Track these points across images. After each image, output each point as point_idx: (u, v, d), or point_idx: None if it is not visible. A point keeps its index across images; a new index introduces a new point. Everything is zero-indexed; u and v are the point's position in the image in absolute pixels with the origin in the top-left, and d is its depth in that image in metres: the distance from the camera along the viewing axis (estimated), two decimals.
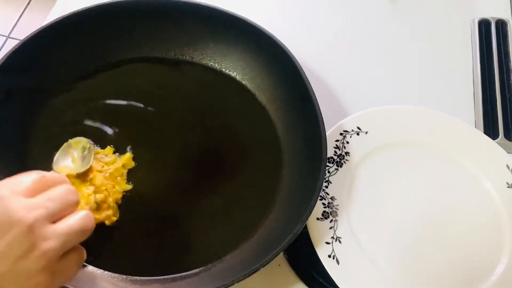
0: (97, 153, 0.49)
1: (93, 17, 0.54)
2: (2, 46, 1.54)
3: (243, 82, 0.56)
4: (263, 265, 0.40)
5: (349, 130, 0.53)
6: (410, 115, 0.55)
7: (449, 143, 0.53)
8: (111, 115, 0.53)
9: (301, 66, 0.51)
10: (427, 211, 0.49)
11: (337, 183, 0.49)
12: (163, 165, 0.51)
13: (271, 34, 0.53)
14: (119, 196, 0.47)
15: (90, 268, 0.43)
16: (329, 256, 0.44)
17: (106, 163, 0.48)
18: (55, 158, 0.47)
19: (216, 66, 0.57)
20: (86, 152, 0.48)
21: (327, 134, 0.48)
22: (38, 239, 0.30)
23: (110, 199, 0.46)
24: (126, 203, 0.47)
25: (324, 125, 0.47)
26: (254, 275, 0.39)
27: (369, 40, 0.66)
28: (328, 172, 0.50)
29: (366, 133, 0.53)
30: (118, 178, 0.48)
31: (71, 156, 0.47)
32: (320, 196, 0.47)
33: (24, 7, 1.62)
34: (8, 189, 0.31)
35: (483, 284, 0.46)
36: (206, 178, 0.50)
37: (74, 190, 0.34)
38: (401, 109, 0.55)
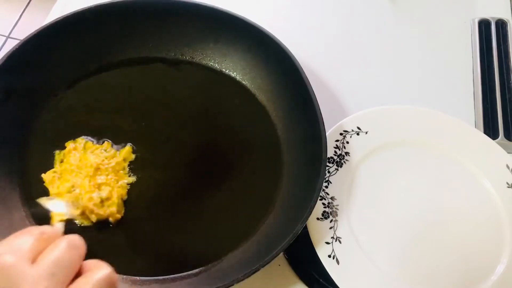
0: (96, 148, 0.49)
1: (93, 17, 0.54)
2: (2, 46, 1.54)
3: (243, 82, 0.56)
4: (263, 265, 0.40)
5: (349, 130, 0.52)
6: (410, 115, 0.54)
7: (449, 143, 0.53)
8: (111, 115, 0.53)
9: (301, 66, 0.51)
10: (427, 211, 0.49)
11: (337, 183, 0.49)
12: (162, 165, 0.51)
13: (272, 34, 0.53)
14: (124, 191, 0.47)
15: None
16: (329, 256, 0.44)
17: (106, 158, 0.49)
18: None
19: (216, 66, 0.57)
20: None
21: (327, 134, 0.48)
22: None
23: (115, 195, 0.46)
24: (125, 203, 0.47)
25: (324, 125, 0.47)
26: (254, 275, 0.39)
27: (369, 40, 0.66)
28: (328, 172, 0.50)
29: (366, 133, 0.53)
30: (121, 172, 0.49)
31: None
32: (320, 196, 0.47)
33: (24, 7, 1.62)
34: (12, 256, 0.28)
35: (483, 284, 0.46)
36: (206, 178, 0.50)
37: (78, 242, 0.30)
38: (401, 109, 0.55)
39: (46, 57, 0.52)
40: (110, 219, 0.46)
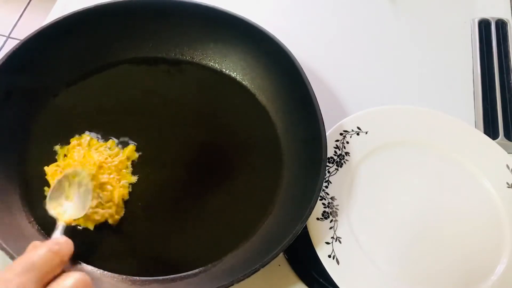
0: (100, 146, 0.49)
1: (93, 17, 0.54)
2: (2, 46, 1.54)
3: (243, 82, 0.56)
4: (263, 265, 0.40)
5: (349, 130, 0.52)
6: (410, 115, 0.54)
7: (449, 143, 0.53)
8: (111, 115, 0.53)
9: (301, 66, 0.51)
10: (427, 211, 0.49)
11: (337, 183, 0.49)
12: (162, 165, 0.51)
13: (272, 34, 0.53)
14: (126, 191, 0.47)
15: (90, 268, 0.43)
16: (329, 256, 0.44)
17: (110, 156, 0.48)
18: (48, 194, 0.41)
19: (217, 66, 0.57)
20: (82, 189, 0.44)
21: (327, 134, 0.48)
22: None
23: (116, 196, 0.46)
24: (125, 203, 0.47)
25: (324, 125, 0.47)
26: (254, 275, 0.39)
27: (369, 40, 0.66)
28: (328, 172, 0.50)
29: (366, 133, 0.53)
30: (124, 171, 0.48)
31: (65, 193, 0.43)
32: (320, 196, 0.47)
33: (24, 7, 1.62)
34: (25, 277, 0.29)
35: (483, 284, 0.46)
36: (206, 178, 0.50)
37: (85, 279, 0.31)
38: (401, 109, 0.55)
39: (46, 57, 0.52)
40: (110, 221, 0.46)
